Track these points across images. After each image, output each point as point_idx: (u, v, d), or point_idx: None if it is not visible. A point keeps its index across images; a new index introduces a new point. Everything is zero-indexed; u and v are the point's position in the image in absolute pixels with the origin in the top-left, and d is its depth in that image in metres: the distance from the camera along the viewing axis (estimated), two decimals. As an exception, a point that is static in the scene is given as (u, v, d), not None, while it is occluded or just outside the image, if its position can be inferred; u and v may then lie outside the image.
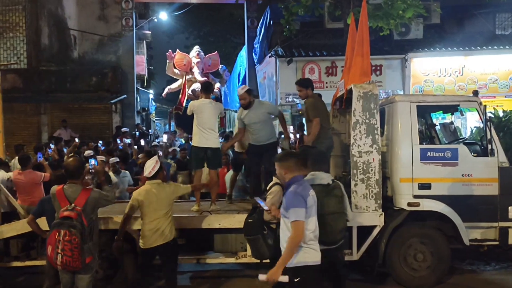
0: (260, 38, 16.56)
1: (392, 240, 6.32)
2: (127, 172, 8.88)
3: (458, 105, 6.73)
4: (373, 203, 6.14)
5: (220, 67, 14.44)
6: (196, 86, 13.39)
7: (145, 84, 23.22)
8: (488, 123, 6.35)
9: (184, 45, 25.15)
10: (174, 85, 14.51)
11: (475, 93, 11.29)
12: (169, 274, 5.65)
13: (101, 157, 8.30)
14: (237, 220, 6.10)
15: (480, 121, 6.54)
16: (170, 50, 12.83)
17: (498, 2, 14.27)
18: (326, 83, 14.46)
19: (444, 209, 6.30)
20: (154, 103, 26.28)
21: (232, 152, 8.98)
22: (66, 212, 4.38)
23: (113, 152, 9.67)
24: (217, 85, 13.78)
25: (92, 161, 5.64)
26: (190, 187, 6.17)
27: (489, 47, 14.71)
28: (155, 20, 23.61)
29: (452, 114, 8.39)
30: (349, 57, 6.96)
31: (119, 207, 6.39)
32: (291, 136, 12.10)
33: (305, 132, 10.15)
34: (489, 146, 6.33)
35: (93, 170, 5.49)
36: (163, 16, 23.36)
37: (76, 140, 10.57)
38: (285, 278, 3.93)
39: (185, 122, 13.02)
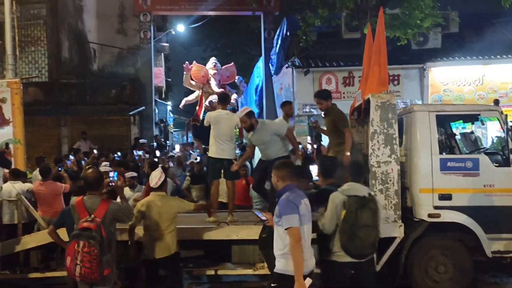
0: (277, 49, 16.60)
1: (413, 251, 6.22)
2: (142, 187, 8.89)
3: (479, 115, 6.64)
4: (393, 214, 6.05)
5: (236, 78, 14.50)
6: (213, 97, 13.44)
7: (163, 96, 23.43)
8: (510, 132, 6.25)
9: (201, 57, 25.33)
10: (191, 97, 14.60)
11: (496, 102, 11.14)
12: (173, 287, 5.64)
13: (131, 174, 8.41)
14: (254, 232, 6.06)
15: (501, 130, 6.44)
16: (187, 62, 12.95)
17: (518, 11, 14.11)
18: (344, 93, 14.40)
19: (466, 221, 6.18)
20: (172, 115, 26.49)
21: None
22: (85, 223, 4.40)
23: (125, 164, 9.68)
24: (234, 96, 13.83)
25: (111, 174, 5.69)
26: (193, 206, 6.04)
27: (509, 55, 14.50)
28: (173, 32, 23.89)
29: (472, 123, 8.28)
30: (366, 67, 6.92)
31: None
32: (309, 146, 12.08)
33: (323, 143, 10.13)
34: (511, 156, 6.22)
35: (113, 184, 5.54)
36: (181, 28, 23.63)
37: (95, 151, 10.68)
38: (309, 281, 4.00)
39: (203, 134, 13.08)
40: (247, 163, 9.31)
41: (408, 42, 12.80)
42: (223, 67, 14.19)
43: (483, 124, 7.12)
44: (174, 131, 29.89)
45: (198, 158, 11.12)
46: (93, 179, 4.75)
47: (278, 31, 16.76)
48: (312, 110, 14.49)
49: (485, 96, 14.52)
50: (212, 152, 6.94)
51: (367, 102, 6.36)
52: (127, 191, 8.09)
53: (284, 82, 16.11)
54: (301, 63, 14.52)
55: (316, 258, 4.48)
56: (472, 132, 8.02)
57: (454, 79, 14.64)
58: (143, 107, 17.11)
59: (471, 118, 7.19)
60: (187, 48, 30.01)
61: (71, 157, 10.89)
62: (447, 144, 7.41)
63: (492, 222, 6.19)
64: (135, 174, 8.68)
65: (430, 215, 6.20)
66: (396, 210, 6.06)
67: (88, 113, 16.16)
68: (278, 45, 16.49)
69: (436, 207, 6.21)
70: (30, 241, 6.68)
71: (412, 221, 6.31)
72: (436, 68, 14.60)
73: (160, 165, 8.63)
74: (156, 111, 19.72)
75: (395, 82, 14.53)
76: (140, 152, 11.22)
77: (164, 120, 22.73)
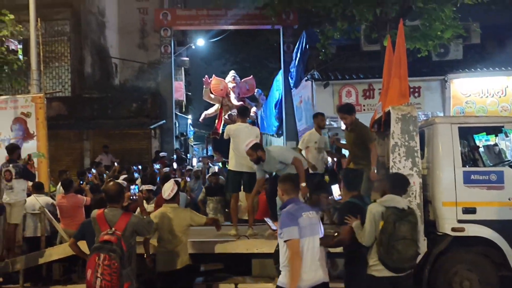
0: (296, 62, 16.62)
1: (437, 266, 6.10)
2: None
3: (502, 126, 6.51)
4: (415, 227, 5.95)
5: (256, 91, 14.55)
6: (233, 110, 13.50)
7: (184, 110, 23.64)
8: (535, 144, 6.13)
9: (221, 70, 25.52)
10: (210, 110, 14.68)
11: (520, 113, 10.94)
12: None
13: (148, 187, 8.49)
14: (275, 245, 6.02)
15: (526, 142, 6.31)
16: (206, 76, 13.05)
17: (541, 21, 13.92)
18: (364, 105, 14.31)
19: (491, 235, 6.03)
20: (192, 128, 26.67)
21: None
22: (106, 236, 4.42)
23: (135, 180, 9.75)
24: (253, 109, 13.86)
25: (132, 187, 5.76)
26: (204, 220, 5.99)
27: (533, 66, 14.27)
28: (193, 47, 24.14)
29: (496, 135, 8.13)
30: (386, 79, 6.88)
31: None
32: (329, 159, 12.00)
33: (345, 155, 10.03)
34: (537, 169, 6.09)
35: (134, 197, 5.60)
36: (201, 43, 23.87)
37: (116, 164, 10.80)
38: None
39: (222, 147, 13.10)
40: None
41: (428, 53, 12.70)
42: (242, 80, 14.26)
43: (507, 136, 6.99)
44: (194, 144, 30.07)
45: (217, 168, 11.14)
46: (114, 192, 4.79)
47: (297, 44, 16.79)
48: (332, 123, 14.41)
49: (509, 108, 14.27)
50: (232, 165, 6.95)
51: (388, 114, 6.31)
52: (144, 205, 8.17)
53: (304, 95, 16.10)
54: (320, 76, 14.50)
55: (338, 271, 4.44)
56: (496, 145, 7.86)
57: (477, 91, 14.43)
58: (164, 121, 17.27)
59: (495, 130, 7.06)
60: (207, 62, 30.28)
61: (93, 170, 11.03)
62: (470, 156, 7.28)
63: (518, 236, 6.04)
64: (151, 187, 8.74)
65: (453, 229, 6.08)
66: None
67: (110, 127, 16.37)
68: (297, 58, 16.51)
69: (460, 221, 6.09)
70: (53, 253, 6.76)
71: (436, 235, 6.19)
72: (458, 80, 14.41)
73: (173, 178, 8.66)
74: (177, 124, 19.88)
75: (416, 94, 14.39)
76: (158, 166, 11.29)
77: (185, 133, 22.89)
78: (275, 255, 5.10)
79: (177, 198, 5.73)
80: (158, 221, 5.52)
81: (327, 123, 14.49)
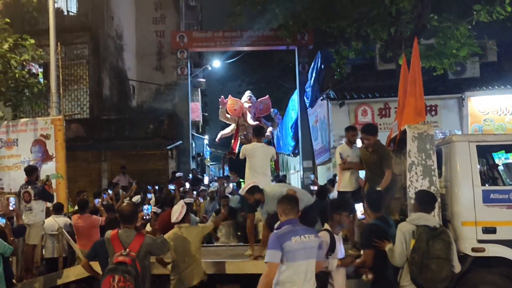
0: (312, 82, 16.69)
1: (459, 287, 5.96)
2: None
3: (522, 144, 6.43)
4: (434, 248, 5.85)
5: (271, 110, 14.60)
6: (249, 130, 13.55)
7: (200, 130, 23.81)
8: (555, 162, 6.02)
9: (237, 91, 25.71)
10: (227, 130, 14.75)
11: (540, 131, 10.77)
12: None
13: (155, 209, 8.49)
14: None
15: (547, 160, 6.21)
16: (222, 96, 13.16)
17: (558, 38, 13.79)
18: (380, 124, 14.23)
19: (512, 255, 5.91)
20: (208, 148, 26.80)
21: None
22: (120, 257, 4.39)
23: (148, 200, 9.74)
24: (270, 129, 13.90)
25: (145, 207, 5.78)
26: (212, 224, 6.18)
27: (551, 83, 14.09)
28: (209, 68, 24.42)
29: (515, 153, 8.00)
30: (402, 98, 6.86)
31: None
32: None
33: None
34: (558, 187, 5.97)
35: (148, 217, 5.61)
36: (217, 64, 24.14)
37: (134, 183, 10.88)
38: None
39: (238, 167, 13.11)
40: None
41: (445, 72, 12.64)
42: (258, 100, 14.34)
43: (527, 154, 6.87)
44: (211, 164, 30.18)
45: (231, 186, 11.08)
46: (129, 212, 4.80)
47: (312, 64, 16.88)
48: (348, 142, 14.35)
49: (528, 125, 14.09)
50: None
51: (403, 133, 6.28)
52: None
53: (320, 114, 16.11)
54: (336, 95, 14.52)
55: None
56: (515, 163, 7.74)
57: (495, 109, 14.28)
58: (181, 141, 17.38)
59: (514, 148, 6.97)
60: (223, 83, 30.57)
61: (109, 191, 11.12)
62: (489, 175, 7.17)
63: (541, 257, 5.89)
64: (157, 209, 8.71)
65: (474, 249, 5.95)
66: (438, 244, 5.85)
67: (127, 148, 16.54)
68: (312, 78, 16.58)
69: (480, 241, 5.96)
70: (70, 274, 6.78)
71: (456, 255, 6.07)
72: (475, 98, 14.29)
73: (185, 199, 8.64)
74: (193, 145, 20.00)
75: (433, 113, 14.29)
76: (173, 186, 11.30)
77: (201, 153, 23.00)
78: None
79: (186, 219, 5.74)
80: (171, 242, 5.54)
81: (342, 142, 14.51)
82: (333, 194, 10.56)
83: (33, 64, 11.70)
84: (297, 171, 20.08)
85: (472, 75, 14.66)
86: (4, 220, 5.99)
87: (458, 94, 14.27)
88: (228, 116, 14.06)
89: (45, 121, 10.28)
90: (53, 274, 7.19)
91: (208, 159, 27.23)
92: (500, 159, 8.75)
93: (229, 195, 10.72)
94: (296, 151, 19.82)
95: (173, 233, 5.68)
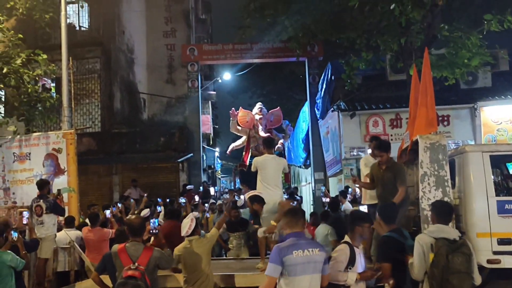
0: (322, 93, 16.66)
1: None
2: None
3: (536, 154, 6.34)
4: (448, 260, 5.75)
5: (283, 122, 14.56)
6: (260, 142, 13.54)
7: (211, 143, 23.84)
8: None
9: (248, 103, 25.79)
10: (238, 142, 14.74)
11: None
12: None
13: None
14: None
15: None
16: (233, 108, 13.18)
17: None
18: (391, 135, 14.16)
19: (529, 267, 5.79)
20: (219, 161, 26.84)
21: None
22: (130, 271, 4.35)
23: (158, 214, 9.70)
24: (281, 140, 13.87)
25: (152, 220, 5.80)
26: (216, 229, 6.13)
27: None
28: (219, 81, 24.52)
29: (530, 163, 7.89)
30: (413, 108, 6.81)
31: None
32: (357, 190, 11.82)
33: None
34: None
35: (154, 231, 5.62)
36: (227, 76, 24.23)
37: (145, 196, 10.87)
38: None
39: (250, 179, 13.06)
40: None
41: (456, 81, 12.57)
42: (269, 111, 14.32)
43: (542, 163, 6.77)
44: (222, 176, 30.19)
45: (243, 198, 10.98)
46: (138, 225, 4.79)
47: (322, 75, 16.87)
48: (360, 153, 14.29)
49: (542, 135, 13.91)
50: None
51: (415, 143, 6.22)
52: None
53: (331, 125, 16.07)
54: (347, 106, 14.48)
55: None
56: (530, 173, 7.62)
57: (508, 118, 14.13)
58: (191, 154, 17.40)
59: (529, 157, 6.87)
60: (233, 95, 30.66)
61: (119, 204, 11.15)
62: (503, 185, 7.07)
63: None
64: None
65: (489, 261, 5.85)
66: (452, 256, 5.75)
67: (138, 161, 16.60)
68: (323, 89, 16.56)
69: (495, 252, 5.87)
70: (82, 288, 6.77)
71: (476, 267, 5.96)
72: (488, 108, 14.17)
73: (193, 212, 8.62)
74: (204, 157, 20.02)
75: (445, 123, 14.19)
76: (184, 200, 11.27)
77: (212, 166, 23.03)
78: None
79: (196, 232, 5.74)
80: (181, 254, 5.59)
81: (355, 153, 14.45)
82: (345, 206, 10.48)
83: (45, 79, 11.83)
84: (309, 183, 19.98)
85: (484, 85, 14.54)
86: (16, 234, 6.00)
87: (470, 104, 14.16)
88: (239, 128, 14.06)
89: (57, 135, 10.37)
90: (65, 288, 7.19)
91: (219, 172, 27.25)
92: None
93: (240, 209, 10.62)
94: (308, 163, 19.75)
95: (183, 246, 5.69)
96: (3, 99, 11.89)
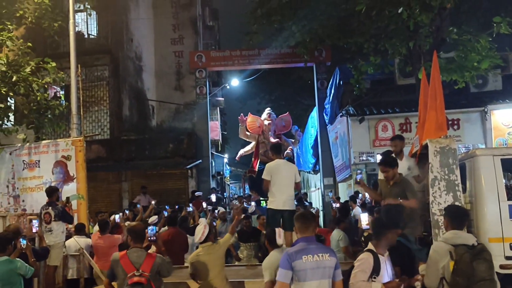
0: (331, 98, 16.62)
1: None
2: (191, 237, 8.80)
3: (548, 157, 6.23)
4: (460, 265, 5.66)
5: (292, 127, 14.58)
6: (269, 147, 13.53)
7: (220, 149, 23.83)
8: None
9: (256, 109, 25.81)
10: (247, 148, 14.78)
11: None
12: None
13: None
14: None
15: None
16: (242, 114, 13.20)
17: None
18: (401, 140, 14.06)
19: (543, 272, 5.69)
20: (228, 167, 26.80)
21: None
22: (135, 278, 4.33)
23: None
24: (290, 146, 13.88)
25: (151, 227, 5.79)
26: (229, 234, 6.15)
27: None
28: (228, 87, 24.55)
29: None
30: (422, 112, 6.75)
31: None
32: (367, 195, 11.75)
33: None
34: None
35: (153, 238, 5.61)
36: (235, 83, 24.26)
37: (153, 203, 10.86)
38: None
39: (259, 185, 13.03)
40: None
41: (466, 85, 12.45)
42: (279, 117, 14.33)
43: (554, 167, 6.65)
44: (231, 183, 30.15)
45: (254, 205, 10.91)
46: (141, 232, 4.76)
47: (331, 80, 16.83)
48: (369, 158, 14.21)
49: (554, 138, 13.74)
50: (271, 204, 6.86)
51: (425, 147, 6.15)
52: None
53: (339, 130, 16.00)
54: (355, 111, 14.41)
55: None
56: (543, 176, 7.51)
57: (519, 121, 13.99)
58: (200, 161, 17.41)
59: (541, 161, 6.75)
60: (242, 102, 30.70)
61: (126, 211, 11.17)
62: (515, 189, 6.97)
63: None
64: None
65: (502, 266, 5.76)
66: (464, 262, 5.66)
67: (147, 167, 16.63)
68: (331, 94, 16.51)
69: (508, 257, 5.77)
70: (91, 295, 6.76)
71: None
72: (498, 111, 14.03)
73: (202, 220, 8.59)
74: (213, 164, 20.01)
75: (455, 127, 14.07)
76: (190, 208, 11.24)
77: (221, 172, 23.00)
78: None
79: (209, 238, 5.79)
80: (195, 261, 5.65)
81: (364, 158, 14.36)
82: (355, 211, 10.41)
83: (54, 86, 11.91)
84: (318, 188, 19.90)
85: (495, 88, 14.42)
86: (25, 241, 6.01)
87: (480, 107, 14.04)
88: (248, 133, 14.10)
89: (66, 142, 10.41)
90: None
91: (228, 178, 27.22)
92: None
93: (251, 215, 10.54)
94: (317, 168, 19.67)
95: (196, 254, 5.78)
96: (12, 107, 11.98)
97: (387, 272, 4.37)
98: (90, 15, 15.77)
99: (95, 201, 14.40)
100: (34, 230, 7.34)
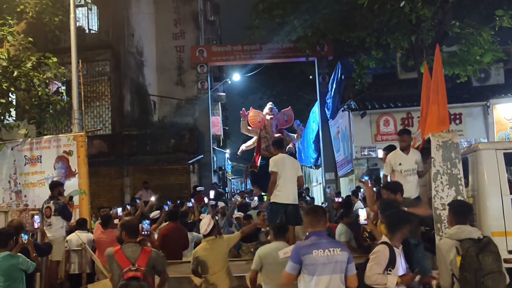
0: (332, 93, 16.58)
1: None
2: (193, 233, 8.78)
3: (551, 151, 6.21)
4: (462, 259, 5.65)
5: (294, 122, 14.51)
6: (271, 142, 13.50)
7: (221, 144, 23.82)
8: None
9: (258, 104, 25.73)
10: (249, 143, 14.72)
11: None
12: None
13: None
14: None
15: None
16: (243, 108, 13.14)
17: None
18: (403, 134, 14.02)
19: (546, 266, 5.67)
20: (230, 162, 26.81)
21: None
22: (131, 272, 4.29)
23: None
24: (292, 141, 13.84)
25: (146, 221, 5.82)
26: (240, 235, 6.23)
27: None
28: (229, 82, 24.51)
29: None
30: (424, 106, 6.72)
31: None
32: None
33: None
34: None
35: (146, 233, 5.61)
36: (237, 77, 24.22)
37: (152, 199, 10.84)
38: None
39: (261, 180, 13.03)
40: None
41: (468, 79, 12.40)
42: (281, 111, 14.27)
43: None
44: (233, 178, 30.17)
45: (256, 200, 10.88)
46: (135, 226, 4.74)
47: (332, 75, 16.78)
48: (371, 152, 14.18)
49: (556, 132, 13.69)
50: (276, 197, 6.85)
51: (427, 141, 6.13)
52: None
53: (341, 125, 15.96)
54: (357, 105, 14.37)
55: None
56: (545, 170, 7.49)
57: (521, 115, 13.94)
58: (202, 156, 17.40)
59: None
60: (243, 97, 30.64)
61: (128, 206, 11.17)
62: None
63: None
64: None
65: (505, 260, 5.71)
66: (466, 256, 5.64)
67: (149, 163, 16.63)
68: (333, 89, 16.47)
69: (510, 252, 5.77)
70: (93, 290, 6.77)
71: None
72: (500, 105, 13.97)
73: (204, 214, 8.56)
74: (215, 159, 19.99)
75: (457, 121, 14.02)
76: (190, 203, 11.22)
77: (223, 167, 22.99)
78: None
79: (214, 232, 5.81)
80: (199, 255, 5.66)
81: (366, 153, 14.33)
82: (357, 205, 10.40)
83: (56, 82, 11.88)
84: (319, 183, 19.88)
85: (497, 82, 14.36)
86: (26, 236, 6.01)
87: (482, 101, 13.98)
88: (250, 128, 14.04)
89: (67, 137, 10.40)
90: (76, 290, 7.20)
91: (230, 173, 27.22)
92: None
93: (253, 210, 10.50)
94: (318, 163, 19.66)
95: (201, 247, 5.80)
96: (14, 103, 11.97)
97: (401, 265, 4.34)
98: (90, 9, 15.71)
99: (97, 196, 14.41)
100: (36, 226, 7.33)
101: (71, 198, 8.95)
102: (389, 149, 7.29)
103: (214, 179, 18.99)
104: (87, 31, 17.84)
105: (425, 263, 5.39)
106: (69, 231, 8.60)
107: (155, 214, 9.27)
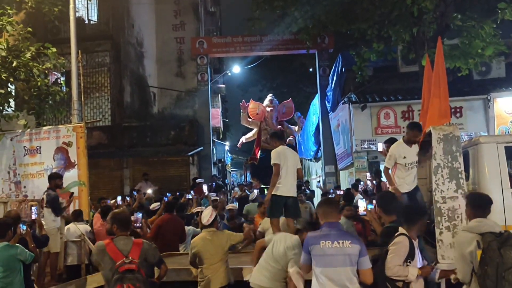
0: (333, 85, 16.52)
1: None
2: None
3: (552, 145, 6.18)
4: (462, 253, 5.64)
5: (295, 114, 14.48)
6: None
7: (221, 136, 23.78)
8: None
9: (258, 96, 25.68)
10: (249, 135, 14.72)
11: None
12: None
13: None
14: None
15: None
16: (243, 100, 13.12)
17: None
18: (403, 127, 13.96)
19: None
20: (229, 154, 26.77)
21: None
22: (126, 265, 4.21)
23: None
24: (293, 133, 13.83)
25: (139, 213, 5.80)
26: (242, 236, 6.16)
27: None
28: (229, 74, 24.43)
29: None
30: (425, 99, 6.67)
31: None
32: (369, 182, 11.72)
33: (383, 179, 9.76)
34: None
35: (139, 224, 5.57)
36: (237, 69, 24.13)
37: (149, 191, 10.80)
38: None
39: (261, 173, 13.05)
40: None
41: (470, 72, 12.36)
42: (281, 103, 14.23)
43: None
44: (232, 170, 30.14)
45: (256, 192, 10.87)
46: (127, 219, 4.67)
47: (333, 67, 16.72)
48: (371, 145, 14.16)
49: (557, 126, 13.66)
50: (277, 190, 6.83)
51: (428, 135, 6.10)
52: None
53: (341, 118, 15.93)
54: (357, 98, 14.33)
55: None
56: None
57: (522, 109, 13.90)
58: (201, 148, 17.38)
59: (544, 149, 6.70)
60: (243, 89, 30.58)
61: (127, 198, 11.15)
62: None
63: None
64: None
65: (504, 255, 5.73)
66: (466, 249, 5.63)
67: (149, 154, 16.61)
68: (333, 82, 16.42)
69: (511, 246, 5.74)
70: (92, 281, 6.75)
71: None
72: (501, 99, 13.94)
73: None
74: (214, 151, 19.96)
75: (458, 115, 13.99)
76: (189, 196, 11.19)
77: (222, 160, 22.97)
78: None
79: (215, 224, 5.82)
80: (197, 245, 5.64)
81: (366, 146, 14.31)
82: (357, 198, 10.40)
83: (55, 72, 11.83)
84: (319, 176, 19.88)
85: (498, 75, 14.32)
86: (24, 227, 5.99)
87: (483, 95, 13.95)
88: (250, 120, 14.03)
89: (67, 128, 10.37)
90: (75, 281, 7.17)
91: (229, 165, 27.20)
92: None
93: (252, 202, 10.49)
94: (318, 156, 19.64)
95: (200, 237, 5.77)
96: (13, 93, 11.92)
97: (419, 258, 4.32)
98: (90, 0, 15.63)
99: (97, 187, 14.39)
100: (33, 217, 7.30)
101: (71, 195, 8.89)
102: (390, 142, 7.27)
103: (214, 171, 18.97)
104: (86, 22, 17.74)
105: (426, 255, 5.37)
106: (66, 222, 8.55)
107: (155, 205, 9.26)
